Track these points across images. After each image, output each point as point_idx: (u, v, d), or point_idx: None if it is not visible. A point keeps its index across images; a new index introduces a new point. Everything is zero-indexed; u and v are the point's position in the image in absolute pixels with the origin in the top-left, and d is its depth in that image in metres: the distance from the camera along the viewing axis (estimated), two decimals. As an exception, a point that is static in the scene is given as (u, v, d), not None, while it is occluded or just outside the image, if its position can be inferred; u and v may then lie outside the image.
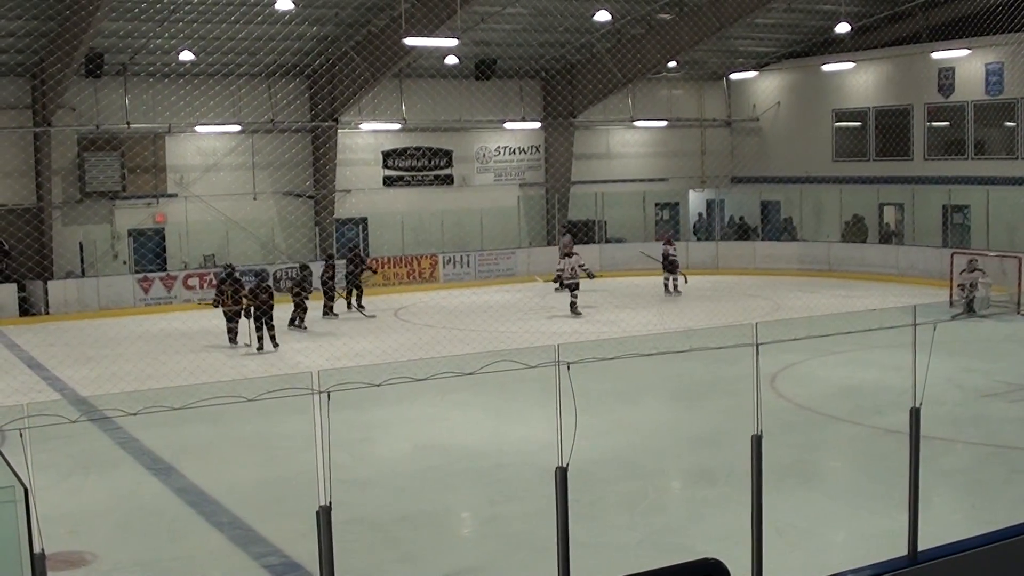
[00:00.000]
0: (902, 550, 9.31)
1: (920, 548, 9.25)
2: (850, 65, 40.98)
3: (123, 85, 35.00)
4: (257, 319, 26.49)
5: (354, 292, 32.64)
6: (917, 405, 9.32)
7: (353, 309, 32.25)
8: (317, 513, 7.55)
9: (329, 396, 7.53)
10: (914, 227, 39.20)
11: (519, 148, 43.43)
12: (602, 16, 34.15)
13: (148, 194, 36.51)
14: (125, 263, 36.03)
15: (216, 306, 28.31)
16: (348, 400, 7.83)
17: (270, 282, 27.90)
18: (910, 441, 9.37)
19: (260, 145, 38.11)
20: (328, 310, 31.90)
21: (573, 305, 30.77)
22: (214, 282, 33.89)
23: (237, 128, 36.92)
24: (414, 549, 12.88)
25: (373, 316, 31.37)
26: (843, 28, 35.92)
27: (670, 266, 35.51)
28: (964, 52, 37.22)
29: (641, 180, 45.61)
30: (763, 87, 45.91)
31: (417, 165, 41.36)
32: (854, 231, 40.78)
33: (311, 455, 7.48)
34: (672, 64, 42.29)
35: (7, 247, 33.58)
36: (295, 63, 36.72)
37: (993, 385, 20.63)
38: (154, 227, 36.74)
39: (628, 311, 30.66)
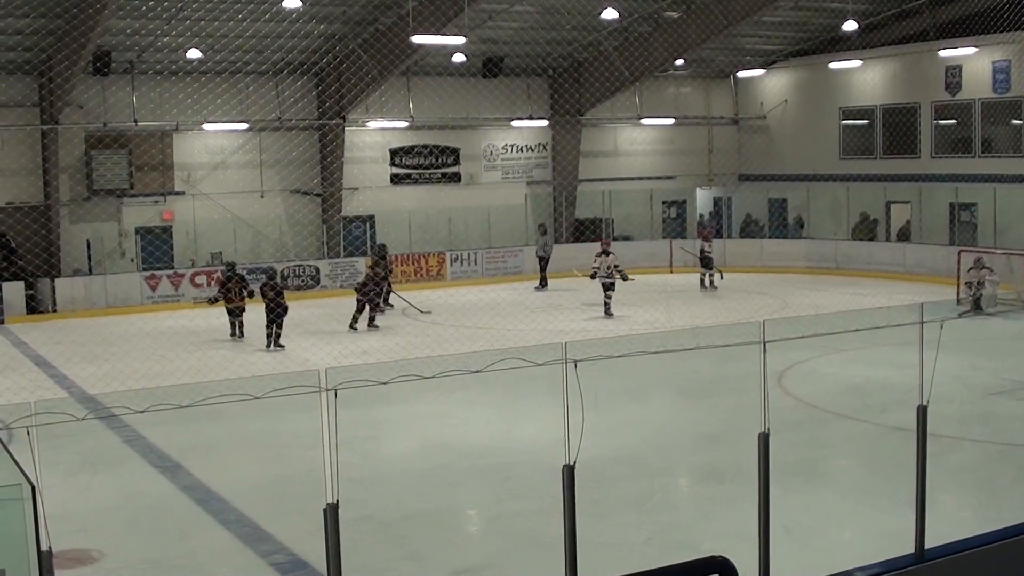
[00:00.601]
0: (909, 548, 9.30)
1: (927, 546, 9.23)
2: (857, 63, 40.94)
3: (131, 83, 35.03)
4: (268, 317, 26.59)
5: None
6: (924, 403, 9.30)
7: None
8: (324, 511, 7.55)
9: (336, 394, 7.53)
10: (921, 225, 39.16)
11: (526, 146, 43.43)
12: (609, 14, 34.08)
13: (155, 192, 36.55)
14: (132, 261, 36.06)
15: (212, 303, 28.75)
16: (355, 398, 7.83)
17: (277, 279, 27.87)
18: (917, 439, 9.35)
19: (267, 143, 38.14)
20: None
21: (607, 306, 29.96)
22: (221, 279, 33.99)
23: (244, 126, 36.95)
24: (421, 547, 12.89)
25: (428, 312, 31.14)
26: (850, 26, 35.90)
27: (706, 262, 35.68)
28: (971, 50, 37.16)
29: (648, 178, 45.59)
30: (770, 85, 45.87)
31: (424, 163, 41.37)
32: (862, 230, 40.73)
33: (318, 453, 7.47)
34: (679, 62, 42.25)
35: (13, 245, 33.62)
36: (302, 61, 36.74)
37: (1000, 383, 20.60)
38: (161, 225, 36.77)
39: (636, 309, 30.65)
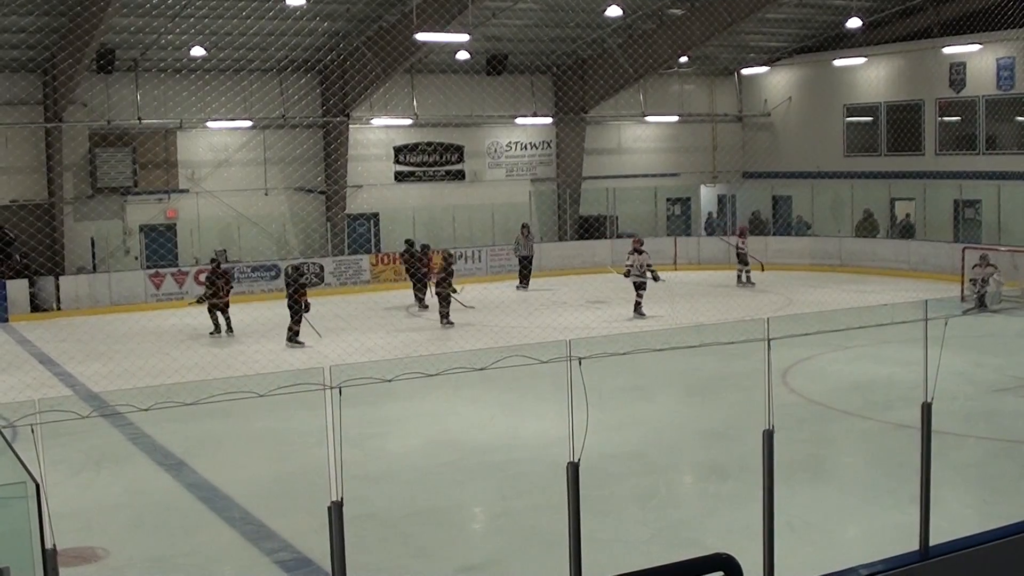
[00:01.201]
0: (914, 545, 9.29)
1: (932, 543, 9.22)
2: (861, 60, 40.94)
3: (134, 81, 35.05)
4: (295, 312, 26.73)
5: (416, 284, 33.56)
6: (929, 400, 9.29)
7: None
8: (329, 508, 7.54)
9: (341, 391, 7.52)
10: (925, 222, 39.14)
11: (530, 143, 43.44)
12: (613, 11, 34.07)
13: (159, 190, 36.58)
14: (136, 259, 36.10)
15: (202, 301, 29.06)
16: (360, 395, 7.83)
17: (299, 276, 27.87)
18: (922, 436, 9.34)
19: (271, 141, 38.15)
20: (419, 300, 32.51)
21: (638, 305, 29.41)
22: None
23: (248, 124, 36.97)
24: (426, 544, 12.89)
25: (472, 307, 31.18)
26: (854, 23, 35.90)
27: (741, 258, 35.85)
28: (975, 47, 37.12)
29: (653, 175, 45.61)
30: (774, 82, 45.85)
31: (428, 160, 41.38)
32: (865, 227, 40.72)
33: (323, 450, 7.47)
34: (683, 59, 42.29)
35: (11, 236, 33.57)
36: (306, 58, 36.74)
37: (1005, 380, 20.58)
38: (165, 223, 36.80)
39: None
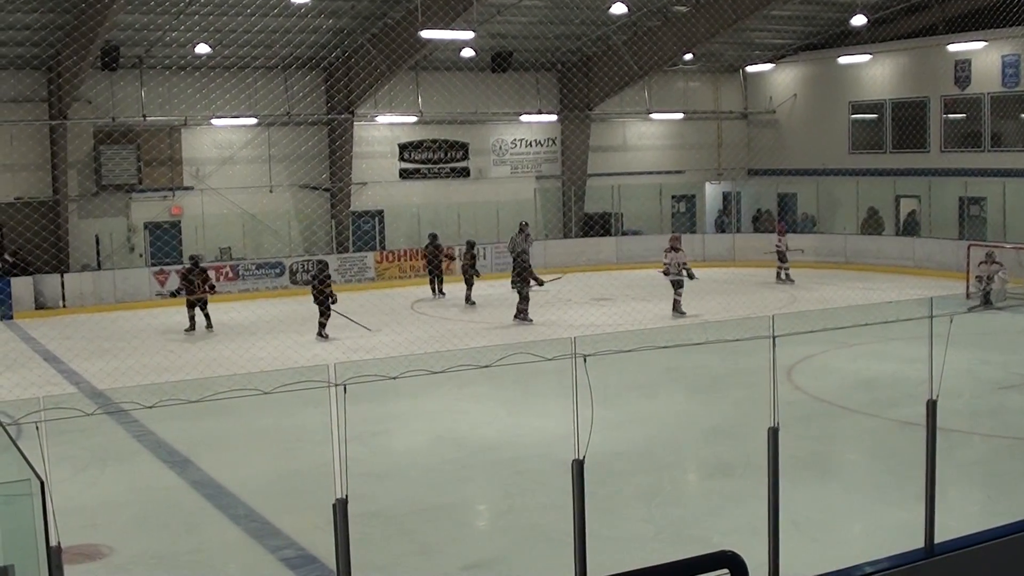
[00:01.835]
0: (919, 542, 9.28)
1: (937, 540, 9.22)
2: (866, 57, 40.92)
3: (139, 78, 35.07)
4: (322, 306, 27.06)
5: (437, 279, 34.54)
6: (934, 397, 9.28)
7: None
8: (333, 506, 7.55)
9: (345, 389, 7.52)
10: (931, 219, 39.12)
11: (535, 141, 43.43)
12: (618, 8, 34.06)
13: (164, 187, 36.60)
14: (141, 256, 36.13)
15: (175, 295, 29.65)
16: (365, 393, 7.82)
17: (320, 270, 28.01)
18: (927, 433, 9.33)
19: (276, 138, 38.17)
20: (468, 297, 32.60)
21: (676, 304, 29.08)
22: (230, 275, 34.23)
23: (253, 121, 36.97)
24: (430, 541, 12.88)
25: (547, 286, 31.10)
26: (859, 20, 35.87)
27: (780, 256, 35.89)
28: (980, 44, 37.06)
29: (657, 172, 45.61)
30: (779, 79, 45.83)
31: (433, 158, 41.40)
32: (870, 224, 40.69)
33: (327, 448, 7.47)
34: (688, 56, 42.24)
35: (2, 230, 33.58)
36: (311, 56, 36.74)
37: (1010, 377, 20.59)
38: (170, 220, 36.82)
39: (645, 303, 30.58)
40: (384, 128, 40.23)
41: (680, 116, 45.27)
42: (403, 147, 40.82)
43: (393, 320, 29.40)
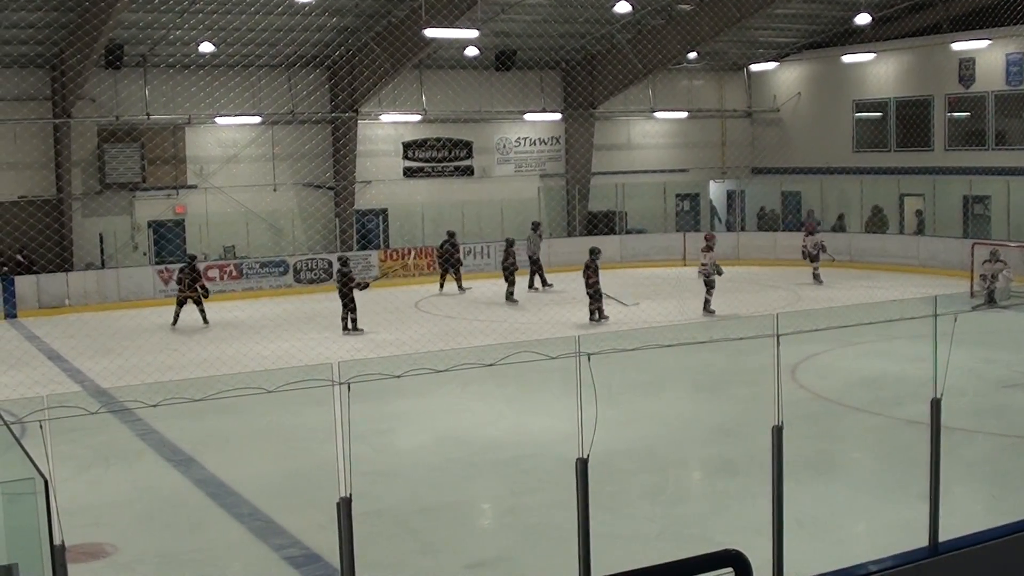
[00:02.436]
0: (923, 541, 9.28)
1: (941, 539, 9.22)
2: (870, 56, 40.89)
3: (143, 76, 35.08)
4: (345, 302, 27.46)
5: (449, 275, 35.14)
6: (938, 396, 9.28)
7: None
8: (337, 504, 7.55)
9: (349, 387, 7.52)
10: (935, 218, 39.08)
11: (539, 139, 43.42)
12: (622, 7, 34.05)
13: (168, 185, 36.60)
14: (145, 255, 36.12)
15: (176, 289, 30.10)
16: (369, 392, 7.82)
17: (345, 268, 28.10)
18: (931, 432, 9.33)
19: (280, 136, 38.17)
20: (510, 295, 32.42)
21: (707, 303, 28.82)
22: (234, 274, 34.26)
23: (257, 119, 36.96)
24: (435, 540, 12.89)
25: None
26: (863, 19, 35.90)
27: (810, 256, 35.66)
28: (985, 43, 37.03)
29: (662, 171, 45.57)
30: (783, 78, 45.80)
31: (437, 156, 41.39)
32: (875, 223, 40.65)
33: (331, 447, 7.47)
34: (692, 55, 42.23)
35: None
36: (315, 54, 36.73)
37: (1014, 376, 20.57)
38: (174, 218, 36.82)
39: (649, 301, 30.56)
40: (388, 127, 40.22)
41: (684, 115, 45.25)
42: (407, 146, 40.81)
43: (397, 319, 29.39)
